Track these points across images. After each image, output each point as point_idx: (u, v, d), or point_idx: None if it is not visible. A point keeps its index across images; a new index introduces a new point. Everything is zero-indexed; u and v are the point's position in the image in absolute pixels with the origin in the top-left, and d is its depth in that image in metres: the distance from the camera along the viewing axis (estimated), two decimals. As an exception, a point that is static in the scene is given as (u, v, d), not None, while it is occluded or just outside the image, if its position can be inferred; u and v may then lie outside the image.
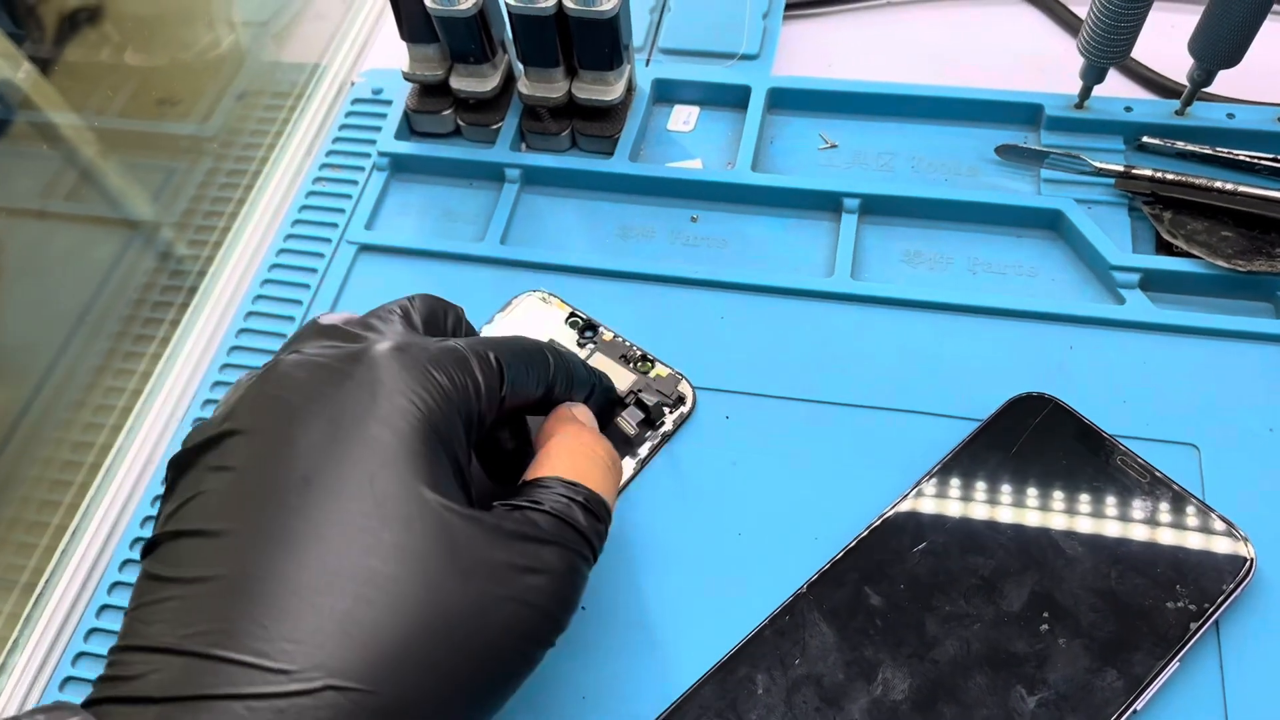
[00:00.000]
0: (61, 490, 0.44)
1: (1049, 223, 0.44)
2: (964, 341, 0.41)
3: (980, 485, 0.36)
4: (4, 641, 0.40)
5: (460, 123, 0.51)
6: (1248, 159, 0.44)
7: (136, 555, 0.40)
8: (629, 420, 0.39)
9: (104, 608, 0.39)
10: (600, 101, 0.48)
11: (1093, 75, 0.45)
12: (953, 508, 0.36)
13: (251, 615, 0.23)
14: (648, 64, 0.53)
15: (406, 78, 0.50)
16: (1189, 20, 0.43)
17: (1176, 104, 0.46)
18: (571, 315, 0.44)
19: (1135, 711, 0.31)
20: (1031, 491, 0.36)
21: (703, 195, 0.48)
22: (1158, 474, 0.36)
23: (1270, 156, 0.44)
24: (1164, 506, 0.35)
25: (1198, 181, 0.42)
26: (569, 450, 0.31)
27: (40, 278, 0.49)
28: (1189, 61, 0.43)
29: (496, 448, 0.35)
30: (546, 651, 0.28)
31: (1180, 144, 0.45)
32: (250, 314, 0.47)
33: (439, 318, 0.33)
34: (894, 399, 0.40)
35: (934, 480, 0.37)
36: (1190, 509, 0.35)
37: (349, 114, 0.53)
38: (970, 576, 0.34)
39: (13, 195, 0.49)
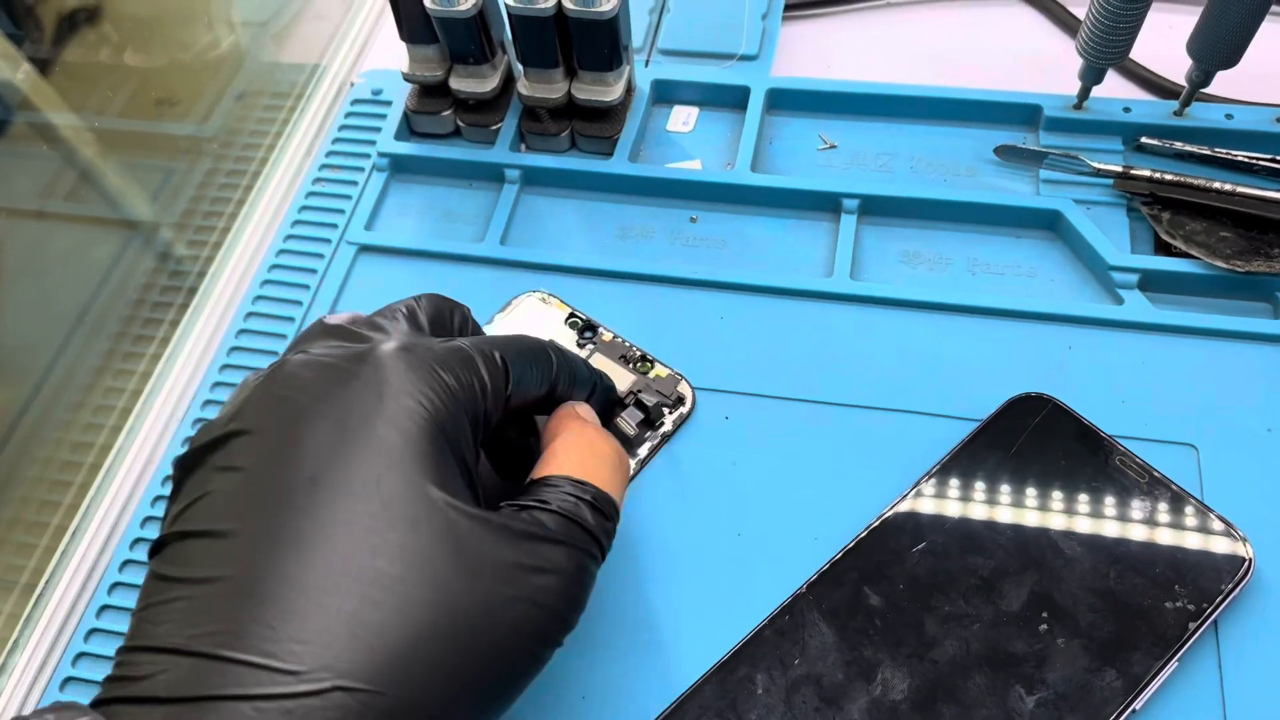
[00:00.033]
0: (61, 490, 0.44)
1: (1048, 223, 0.45)
2: (963, 342, 0.41)
3: (979, 485, 0.37)
4: (4, 642, 0.40)
5: (460, 123, 0.51)
6: (1246, 159, 0.44)
7: (137, 555, 0.40)
8: (628, 421, 0.39)
9: (104, 608, 0.39)
10: (600, 102, 0.48)
11: (1091, 76, 0.45)
12: (952, 508, 0.36)
13: (259, 616, 0.23)
14: (647, 65, 0.53)
15: (406, 78, 0.50)
16: (1187, 21, 0.43)
17: (1175, 105, 0.46)
18: (571, 316, 0.44)
19: (1134, 711, 0.32)
20: (1030, 492, 0.36)
21: (702, 196, 0.48)
22: (1156, 474, 0.36)
23: (1268, 157, 0.44)
24: (1163, 506, 0.35)
25: (1196, 182, 0.43)
26: (576, 448, 0.31)
27: (40, 278, 0.49)
28: (1187, 62, 0.44)
29: (507, 446, 0.35)
30: (554, 651, 0.28)
31: (1179, 145, 0.45)
32: (250, 314, 0.47)
33: (445, 317, 0.33)
34: (893, 399, 0.40)
35: (933, 480, 0.37)
36: (1189, 509, 0.35)
37: (349, 114, 0.53)
38: (969, 577, 0.34)
39: (12, 196, 0.49)
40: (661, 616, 0.36)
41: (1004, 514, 0.36)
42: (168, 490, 0.41)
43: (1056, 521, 0.35)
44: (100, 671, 0.38)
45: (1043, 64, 0.52)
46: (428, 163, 0.51)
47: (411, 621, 0.24)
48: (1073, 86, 0.46)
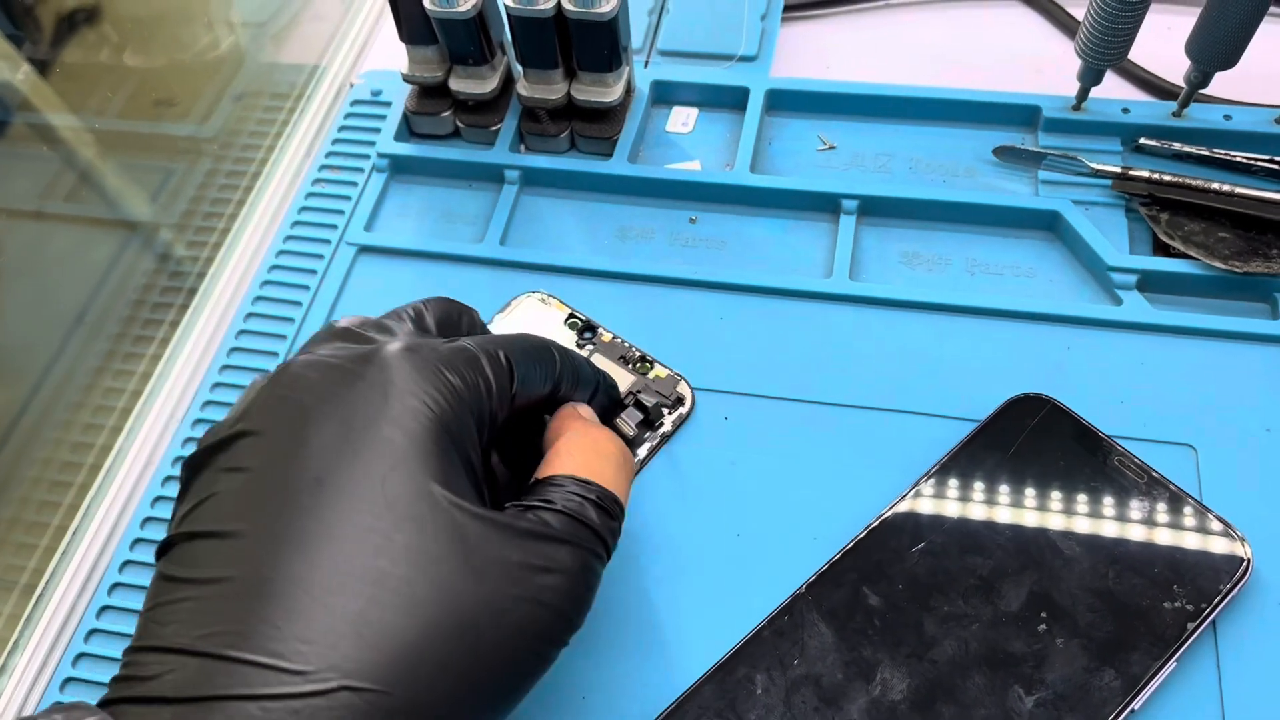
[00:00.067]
0: (61, 491, 0.44)
1: (1046, 224, 0.45)
2: (962, 342, 0.42)
3: (978, 486, 0.37)
4: (4, 642, 0.40)
5: (459, 124, 0.51)
6: (1245, 160, 0.44)
7: (137, 556, 0.40)
8: (628, 421, 0.39)
9: (104, 608, 0.39)
10: (599, 103, 0.48)
11: (1090, 77, 0.45)
12: (951, 508, 0.36)
13: (265, 616, 0.23)
14: (646, 66, 0.53)
15: (406, 79, 0.50)
16: (1186, 22, 0.43)
17: (1174, 105, 0.46)
18: (570, 316, 0.44)
19: (1133, 711, 0.32)
20: (1029, 492, 0.36)
21: (701, 196, 0.48)
22: (1155, 474, 0.36)
23: (1267, 158, 0.44)
24: (1161, 507, 0.35)
25: (1195, 183, 0.43)
26: (580, 447, 0.31)
27: (39, 279, 0.49)
28: (1186, 63, 0.44)
29: (519, 444, 0.34)
30: (560, 651, 0.28)
31: (1177, 145, 0.45)
32: (250, 315, 0.47)
33: (453, 320, 0.33)
34: (892, 400, 0.40)
35: (932, 481, 0.37)
36: (1187, 509, 0.35)
37: (348, 115, 0.53)
38: (968, 577, 0.34)
39: (11, 196, 0.49)
40: (661, 616, 0.36)
41: (1003, 514, 0.36)
42: (168, 490, 0.42)
43: (1055, 522, 0.35)
44: (101, 672, 0.38)
45: (1041, 65, 0.52)
46: (427, 163, 0.51)
47: (417, 621, 0.24)
48: (1071, 87, 0.46)
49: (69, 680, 0.38)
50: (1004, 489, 0.36)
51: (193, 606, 0.24)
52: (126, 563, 0.40)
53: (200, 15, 0.59)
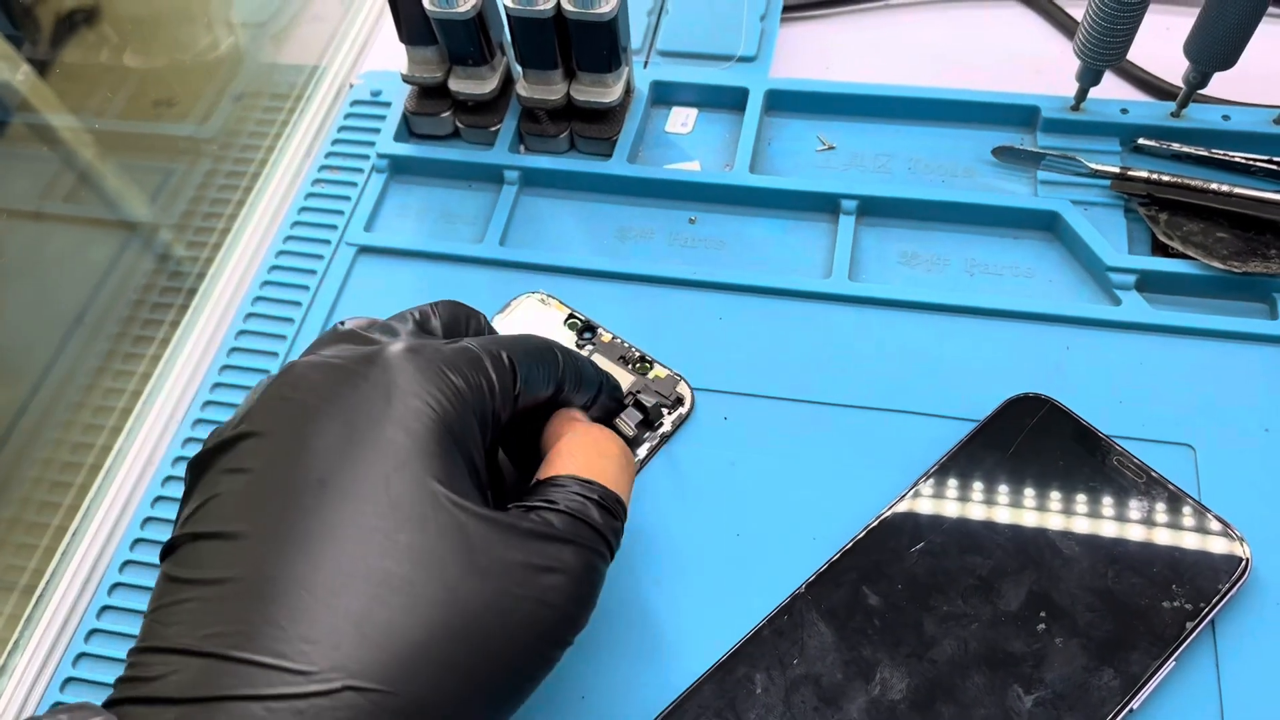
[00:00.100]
0: (61, 491, 0.44)
1: (1045, 224, 0.45)
2: (961, 342, 0.42)
3: (977, 485, 0.37)
4: (5, 643, 0.40)
5: (459, 125, 0.51)
6: (1243, 161, 0.44)
7: (137, 556, 0.40)
8: (627, 421, 0.39)
9: (105, 608, 0.39)
10: (598, 103, 0.48)
11: (1089, 77, 0.45)
12: (950, 508, 0.36)
13: (269, 616, 0.23)
14: (645, 66, 0.53)
15: (405, 80, 0.50)
16: (1184, 23, 0.43)
17: (1172, 106, 0.46)
18: (570, 316, 0.44)
19: (1132, 710, 0.32)
20: (1028, 492, 0.36)
21: (701, 197, 0.48)
22: (1154, 474, 0.36)
23: (1266, 158, 0.44)
24: (1160, 506, 0.35)
25: (1193, 183, 0.43)
26: (581, 447, 0.31)
27: (38, 279, 0.49)
28: (1185, 64, 0.44)
29: (524, 444, 0.34)
30: (565, 651, 0.28)
31: (1176, 146, 0.45)
32: (249, 315, 0.47)
33: (460, 323, 0.33)
34: (891, 400, 0.40)
35: (931, 481, 0.37)
36: (1186, 509, 0.35)
37: (348, 116, 0.53)
38: (968, 576, 0.35)
39: (11, 197, 0.49)
40: (661, 616, 0.36)
41: (1002, 514, 0.36)
42: (168, 490, 0.42)
43: (1054, 521, 0.35)
44: (101, 672, 0.38)
45: (1040, 65, 0.52)
46: (427, 164, 0.51)
47: (421, 621, 0.24)
48: (1070, 88, 0.46)
49: (69, 680, 0.38)
50: (1003, 489, 0.36)
51: (196, 607, 0.24)
52: (127, 563, 0.40)
53: (200, 16, 0.59)
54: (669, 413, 0.41)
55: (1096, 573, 0.34)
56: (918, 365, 0.41)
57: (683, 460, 0.40)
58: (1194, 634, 0.33)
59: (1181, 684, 0.33)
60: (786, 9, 0.55)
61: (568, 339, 0.43)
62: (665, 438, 0.40)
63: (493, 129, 0.50)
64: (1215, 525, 0.35)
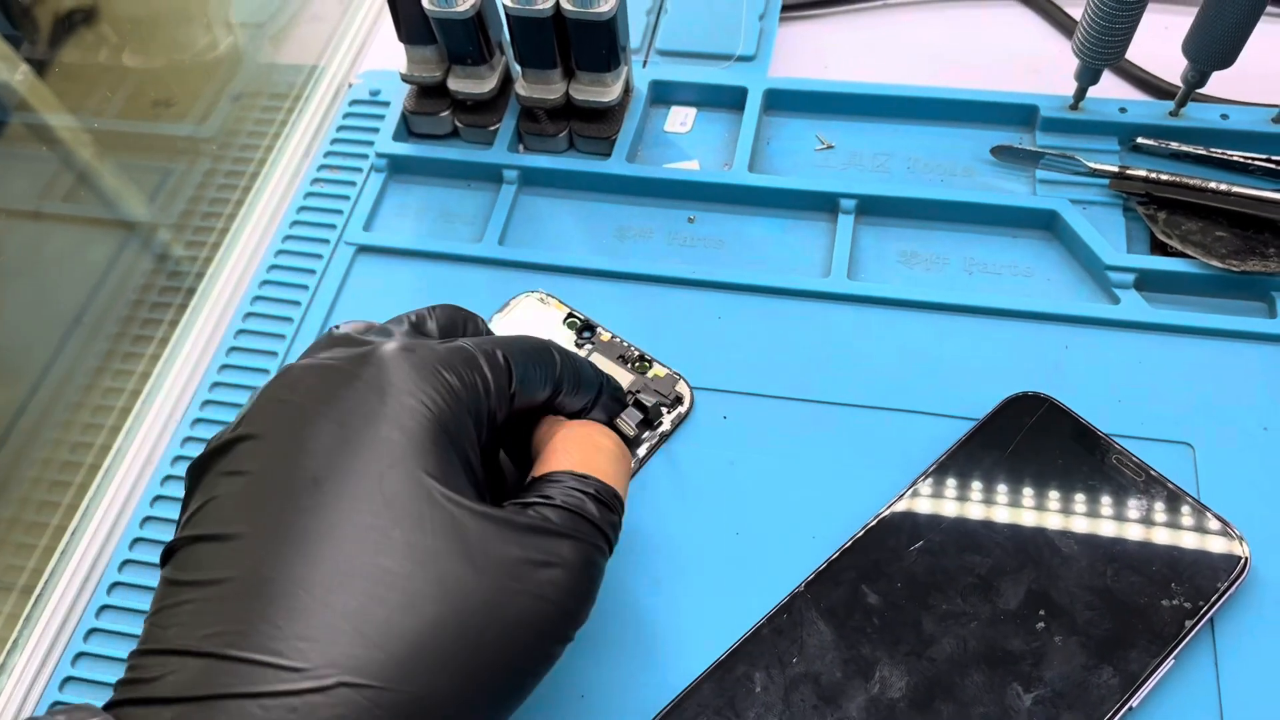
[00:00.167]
0: (60, 491, 0.44)
1: (1044, 223, 0.45)
2: (960, 341, 0.42)
3: (976, 484, 0.37)
4: (3, 642, 0.40)
5: (458, 124, 0.51)
6: (1242, 159, 0.44)
7: (136, 555, 0.40)
8: (628, 421, 0.39)
9: (104, 608, 0.39)
10: (597, 103, 0.48)
11: (1087, 76, 0.45)
12: (949, 507, 0.36)
13: (265, 615, 0.24)
14: (645, 65, 0.53)
15: (404, 79, 0.50)
16: (1183, 22, 0.43)
17: (1171, 105, 0.46)
18: (569, 316, 0.44)
19: (1131, 709, 0.32)
20: (1027, 490, 0.36)
21: (700, 196, 0.48)
22: (1153, 473, 0.36)
23: (1264, 157, 0.44)
24: (1159, 505, 0.35)
25: (1192, 182, 0.43)
26: (576, 443, 0.31)
27: (37, 279, 0.49)
28: (1183, 63, 0.44)
29: (524, 445, 0.34)
30: (565, 647, 0.28)
31: (1175, 145, 0.45)
32: (248, 315, 0.47)
33: (457, 326, 0.33)
34: (891, 398, 0.40)
35: (930, 479, 0.37)
36: (1185, 507, 0.35)
37: (347, 115, 0.53)
38: (967, 575, 0.35)
39: (9, 197, 0.49)
40: (660, 615, 0.36)
41: (1001, 513, 0.36)
42: (167, 490, 0.42)
43: (1053, 520, 0.35)
44: (100, 671, 0.38)
45: (1039, 64, 0.52)
46: (426, 163, 0.51)
47: (417, 617, 0.24)
48: (1069, 87, 0.46)
49: (68, 680, 0.38)
50: (1002, 487, 0.36)
51: (194, 608, 0.24)
52: (126, 562, 0.40)
53: (199, 16, 0.58)
54: (668, 412, 0.41)
55: (1095, 571, 0.34)
56: (917, 364, 0.41)
57: (682, 459, 0.40)
58: (1193, 632, 0.33)
59: (1181, 682, 0.33)
60: (785, 8, 0.55)
61: (567, 338, 0.43)
62: (665, 437, 0.40)
63: (492, 128, 0.50)
64: (1214, 524, 0.35)
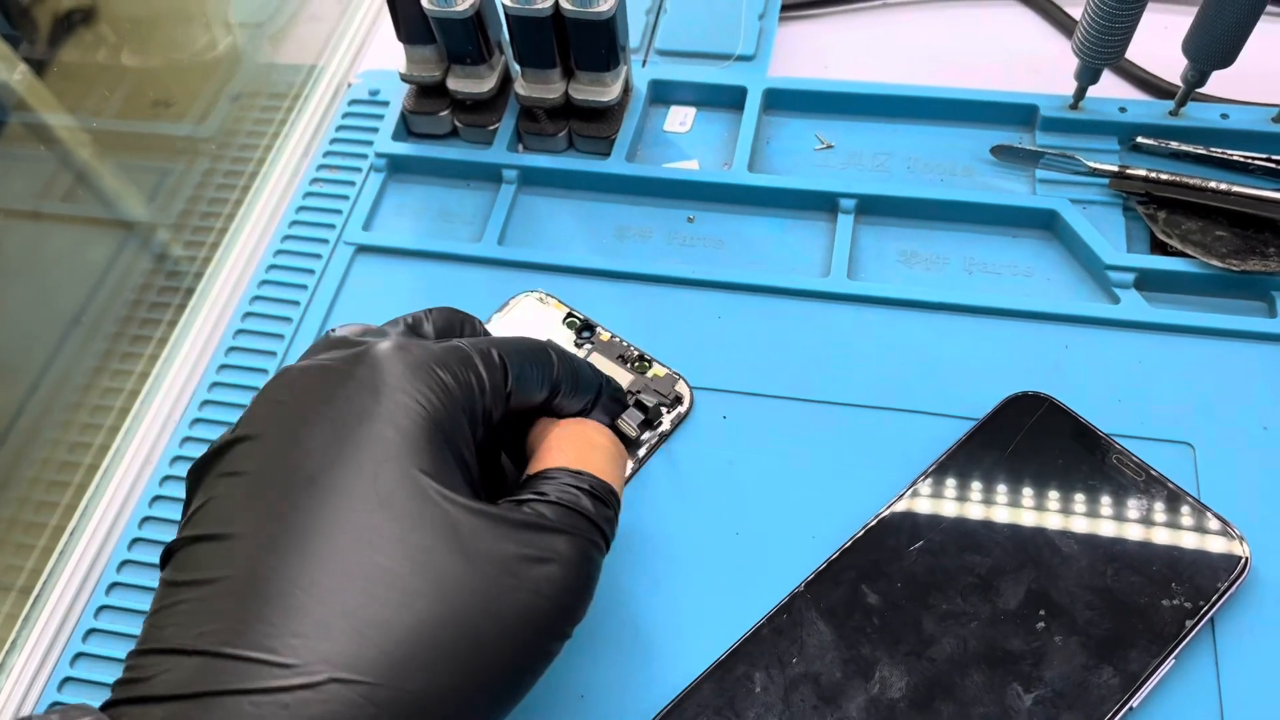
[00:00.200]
0: (59, 491, 0.44)
1: (1044, 223, 0.45)
2: (960, 341, 0.42)
3: (976, 484, 0.37)
4: (2, 642, 0.40)
5: (457, 124, 0.51)
6: (1242, 159, 0.44)
7: (135, 556, 0.40)
8: (629, 422, 0.39)
9: (102, 608, 0.39)
10: (597, 102, 0.48)
11: (1087, 76, 0.45)
12: (949, 506, 0.36)
13: (259, 613, 0.24)
14: (644, 65, 0.53)
15: (403, 79, 0.50)
16: (1183, 21, 0.43)
17: (1171, 104, 0.46)
18: (569, 315, 0.44)
19: (1131, 709, 0.32)
20: (1027, 490, 0.36)
21: (699, 196, 0.48)
22: (1153, 472, 0.36)
23: (1264, 156, 0.44)
24: (1159, 505, 0.35)
25: (1192, 181, 0.43)
26: (570, 439, 0.31)
27: (36, 279, 0.49)
28: (1183, 62, 0.44)
29: (522, 445, 0.34)
30: (563, 644, 0.28)
31: (1174, 144, 0.45)
32: (247, 315, 0.47)
33: (454, 328, 0.33)
34: (890, 398, 0.40)
35: (930, 479, 0.37)
36: (1185, 507, 0.35)
37: (346, 115, 0.53)
38: (967, 575, 0.35)
39: (8, 196, 0.49)
40: (659, 615, 0.36)
41: (1001, 512, 0.36)
42: (166, 490, 0.42)
43: (1053, 520, 0.35)
44: (99, 671, 0.38)
45: (1039, 64, 0.52)
46: (425, 163, 0.51)
47: (410, 613, 0.24)
48: (1069, 86, 0.46)
49: (67, 680, 0.38)
50: (1002, 487, 0.36)
51: (190, 608, 0.24)
52: (124, 562, 0.40)
53: (198, 15, 0.58)
54: (668, 411, 0.41)
55: (1096, 571, 0.34)
56: (916, 364, 0.41)
57: (682, 459, 0.40)
58: (1193, 632, 0.33)
59: (1181, 682, 0.33)
60: (785, 8, 0.55)
61: (566, 338, 0.43)
62: (664, 436, 0.40)
63: (491, 128, 0.50)
64: (1214, 523, 0.35)
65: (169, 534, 0.41)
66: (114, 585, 0.40)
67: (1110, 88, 0.50)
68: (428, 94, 0.51)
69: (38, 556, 0.42)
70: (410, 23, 0.48)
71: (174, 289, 0.51)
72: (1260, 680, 0.33)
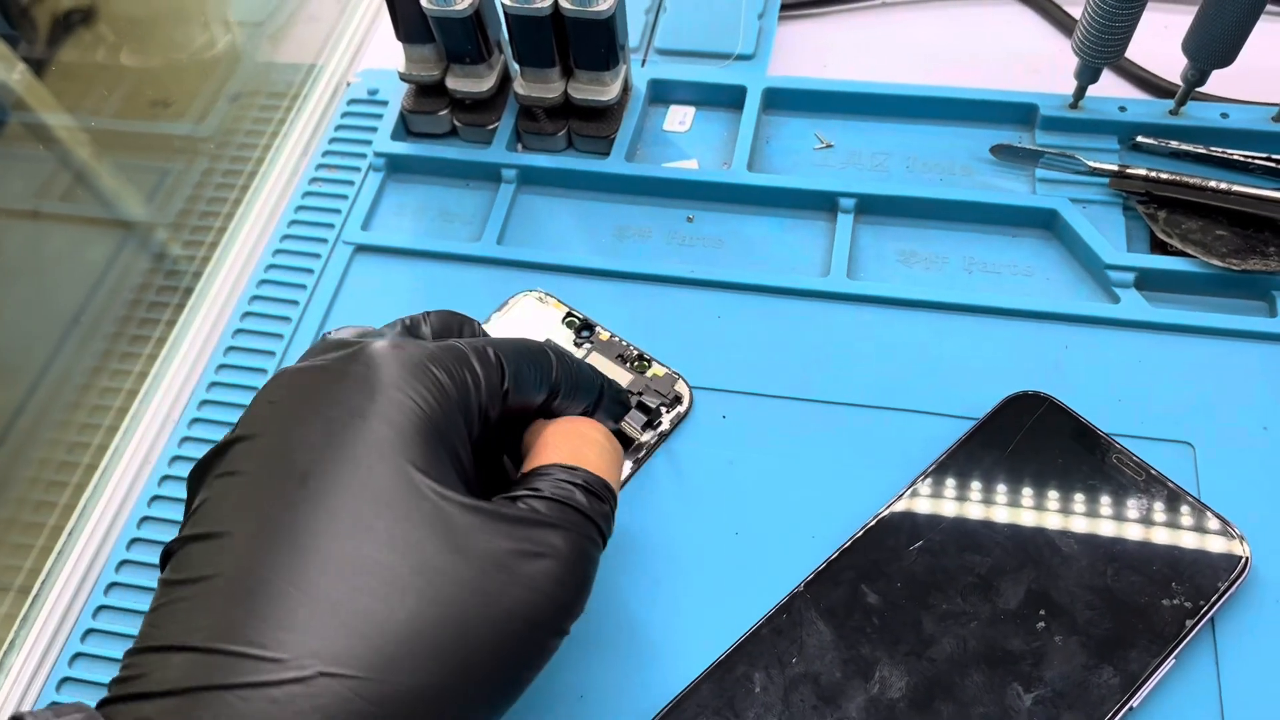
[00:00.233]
0: (58, 491, 0.44)
1: (1044, 222, 0.45)
2: (960, 341, 0.42)
3: (976, 484, 0.37)
4: (0, 642, 0.40)
5: (456, 123, 0.51)
6: (1242, 158, 0.44)
7: (134, 556, 0.40)
8: (632, 424, 0.39)
9: (101, 608, 0.39)
10: (596, 102, 0.48)
11: (1087, 75, 0.45)
12: (949, 506, 0.36)
13: (250, 608, 0.24)
14: (643, 64, 0.53)
15: (402, 78, 0.50)
16: (1183, 20, 0.43)
17: (1171, 104, 0.46)
18: (568, 315, 0.44)
19: (1131, 709, 0.32)
20: (1027, 490, 0.36)
21: (699, 195, 0.48)
22: (1153, 472, 0.36)
23: (1264, 156, 0.44)
24: (1159, 505, 0.35)
25: (1192, 181, 0.43)
26: (563, 436, 0.31)
27: (35, 279, 0.49)
28: (1183, 61, 0.44)
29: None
30: (560, 640, 0.28)
31: (1174, 143, 0.45)
32: (246, 314, 0.46)
33: (452, 331, 0.33)
34: (890, 398, 0.40)
35: (930, 479, 0.37)
36: (1185, 507, 0.35)
37: (345, 115, 0.53)
38: (967, 575, 0.34)
39: (7, 196, 0.49)
40: (659, 615, 0.36)
41: (1001, 512, 0.36)
42: (165, 490, 0.42)
43: (1053, 520, 0.35)
44: (98, 672, 0.38)
45: (1038, 63, 0.52)
46: (424, 162, 0.51)
47: (401, 608, 0.24)
48: (1068, 86, 0.46)
49: (65, 680, 0.38)
50: (1002, 487, 0.36)
51: (184, 606, 0.24)
52: (123, 562, 0.40)
53: (196, 15, 0.58)
54: (667, 411, 0.41)
55: (1096, 571, 0.34)
56: (916, 363, 0.41)
57: (681, 459, 0.40)
58: (1193, 632, 0.32)
59: (1181, 682, 0.33)
60: (784, 7, 0.55)
61: (565, 337, 0.43)
62: (664, 436, 0.40)
63: (490, 127, 0.50)
64: (1214, 523, 0.35)
65: (167, 534, 0.40)
66: (112, 585, 0.40)
67: (1110, 87, 0.50)
68: (427, 93, 0.51)
69: (36, 556, 0.42)
70: (409, 22, 0.47)
71: (173, 289, 0.51)
72: (1260, 680, 0.33)
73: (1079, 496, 0.36)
